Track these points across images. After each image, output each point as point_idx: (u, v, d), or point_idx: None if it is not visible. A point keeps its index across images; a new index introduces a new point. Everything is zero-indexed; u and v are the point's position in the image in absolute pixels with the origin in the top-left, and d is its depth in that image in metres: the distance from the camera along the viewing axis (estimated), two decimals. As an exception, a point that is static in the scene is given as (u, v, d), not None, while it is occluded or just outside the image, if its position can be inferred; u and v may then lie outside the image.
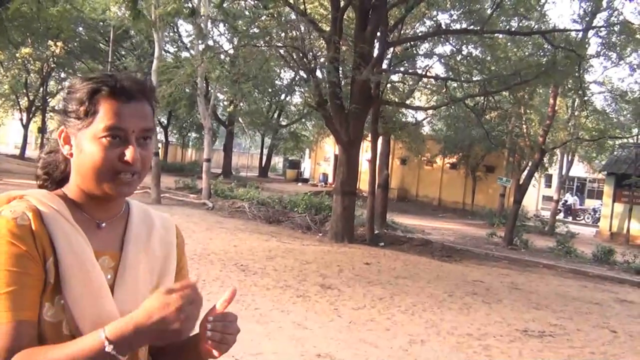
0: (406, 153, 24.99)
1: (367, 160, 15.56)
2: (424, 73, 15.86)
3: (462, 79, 13.95)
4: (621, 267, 12.79)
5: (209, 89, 20.25)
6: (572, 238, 16.88)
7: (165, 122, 33.56)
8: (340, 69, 12.31)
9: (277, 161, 46.19)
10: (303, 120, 30.33)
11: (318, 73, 12.93)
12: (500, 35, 13.69)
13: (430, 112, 19.13)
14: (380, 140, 15.73)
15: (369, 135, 14.96)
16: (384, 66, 13.29)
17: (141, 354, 1.14)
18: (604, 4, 12.26)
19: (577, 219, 27.97)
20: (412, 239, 13.10)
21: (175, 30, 25.53)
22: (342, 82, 12.39)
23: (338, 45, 11.44)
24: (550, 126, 15.79)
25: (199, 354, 1.06)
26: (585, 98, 16.37)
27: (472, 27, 12.41)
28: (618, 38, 12.67)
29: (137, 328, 0.93)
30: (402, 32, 14.26)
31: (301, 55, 12.60)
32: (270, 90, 27.48)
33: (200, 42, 15.69)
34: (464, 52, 13.90)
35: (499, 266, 11.35)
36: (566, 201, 28.77)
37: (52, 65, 27.45)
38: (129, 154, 1.05)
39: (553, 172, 25.82)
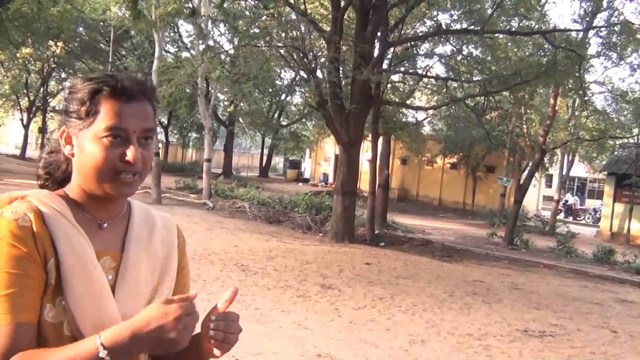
0: (406, 153, 24.98)
1: (368, 160, 15.54)
2: (424, 73, 15.86)
3: (463, 79, 13.95)
4: (622, 267, 12.79)
5: (210, 89, 20.24)
6: (573, 238, 16.88)
7: (166, 122, 33.55)
8: (341, 69, 12.31)
9: (278, 161, 46.21)
10: (303, 120, 30.28)
11: (318, 73, 12.95)
12: (501, 35, 13.69)
13: (430, 112, 19.13)
14: (380, 140, 15.73)
15: (370, 135, 14.95)
16: (385, 66, 13.28)
17: (141, 354, 1.13)
18: (605, 4, 12.26)
19: (578, 219, 27.95)
20: (413, 239, 13.10)
21: (176, 30, 25.56)
22: (343, 82, 12.39)
23: (338, 45, 11.44)
24: (550, 126, 15.78)
25: (200, 353, 1.06)
26: (586, 98, 16.35)
27: (472, 27, 12.40)
28: (618, 38, 12.67)
29: (134, 335, 0.93)
30: (402, 32, 14.26)
31: (301, 55, 12.60)
32: (270, 90, 27.44)
33: (200, 42, 15.70)
34: (465, 52, 13.90)
35: (499, 266, 11.35)
36: (567, 201, 28.75)
37: (53, 66, 27.45)
38: (130, 153, 1.05)
39: (553, 172, 25.79)
